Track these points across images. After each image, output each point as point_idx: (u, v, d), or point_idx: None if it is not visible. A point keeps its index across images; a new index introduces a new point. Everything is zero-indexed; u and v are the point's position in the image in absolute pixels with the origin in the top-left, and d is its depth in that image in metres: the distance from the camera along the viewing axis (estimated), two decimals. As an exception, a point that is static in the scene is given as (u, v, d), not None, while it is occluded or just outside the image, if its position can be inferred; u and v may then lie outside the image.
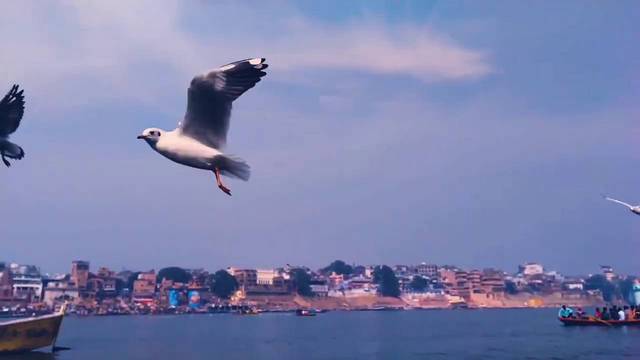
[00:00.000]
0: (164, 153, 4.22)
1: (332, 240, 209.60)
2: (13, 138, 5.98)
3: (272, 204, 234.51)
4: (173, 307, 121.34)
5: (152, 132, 4.22)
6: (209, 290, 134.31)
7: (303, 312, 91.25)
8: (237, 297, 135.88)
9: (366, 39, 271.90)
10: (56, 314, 20.60)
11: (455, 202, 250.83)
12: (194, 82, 4.06)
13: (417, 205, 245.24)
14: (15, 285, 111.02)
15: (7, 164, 5.98)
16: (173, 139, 4.23)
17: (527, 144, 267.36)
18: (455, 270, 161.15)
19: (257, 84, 4.10)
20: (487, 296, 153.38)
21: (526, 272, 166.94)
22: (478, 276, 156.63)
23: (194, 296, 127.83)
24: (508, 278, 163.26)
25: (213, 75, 4.05)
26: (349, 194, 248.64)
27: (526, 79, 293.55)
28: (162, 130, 4.26)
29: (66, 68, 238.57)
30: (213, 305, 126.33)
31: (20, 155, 6.15)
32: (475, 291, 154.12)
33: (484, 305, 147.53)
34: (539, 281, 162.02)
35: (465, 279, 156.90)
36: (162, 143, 4.18)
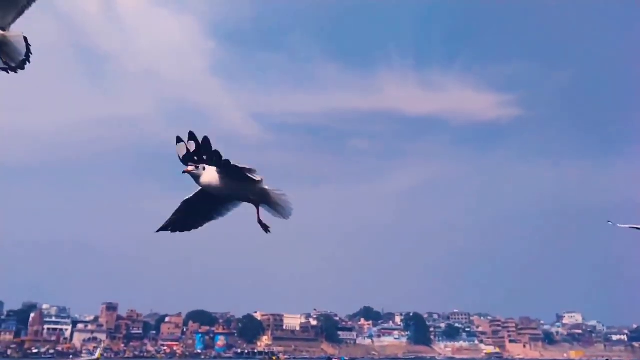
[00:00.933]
0: (208, 186, 4.23)
1: (360, 285, 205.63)
2: None
3: (300, 247, 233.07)
4: (199, 351, 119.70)
5: (197, 167, 4.26)
6: (235, 334, 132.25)
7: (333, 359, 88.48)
8: (264, 342, 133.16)
9: (395, 83, 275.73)
10: (93, 357, 20.29)
11: (488, 246, 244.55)
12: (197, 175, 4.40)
13: (448, 249, 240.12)
14: (45, 326, 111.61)
15: (7, 70, 4.83)
16: (217, 176, 4.25)
17: (564, 188, 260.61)
18: (490, 318, 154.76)
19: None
20: (524, 346, 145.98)
21: (565, 321, 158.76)
22: (514, 325, 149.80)
23: (220, 341, 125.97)
24: (546, 327, 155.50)
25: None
26: (378, 238, 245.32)
27: (557, 121, 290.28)
28: (206, 165, 4.25)
29: (105, 113, 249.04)
30: (239, 351, 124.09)
31: (21, 64, 4.68)
32: (511, 341, 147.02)
33: (521, 356, 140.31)
34: (579, 331, 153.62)
35: (500, 328, 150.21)
36: (206, 177, 4.22)
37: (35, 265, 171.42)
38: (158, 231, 4.83)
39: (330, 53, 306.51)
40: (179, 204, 4.82)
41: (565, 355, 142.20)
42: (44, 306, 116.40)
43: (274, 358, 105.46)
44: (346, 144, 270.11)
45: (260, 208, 4.59)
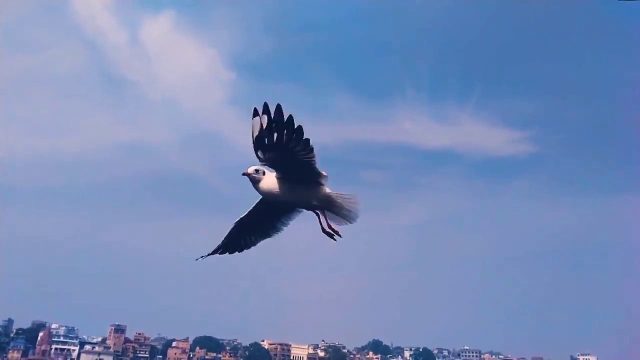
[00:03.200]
0: (268, 193, 4.08)
1: (370, 318, 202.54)
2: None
3: (310, 276, 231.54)
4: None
5: (257, 170, 4.10)
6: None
7: None
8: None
9: (409, 116, 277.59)
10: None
11: (501, 283, 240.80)
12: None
13: (460, 285, 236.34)
14: (53, 346, 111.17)
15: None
16: (277, 182, 4.09)
17: (578, 226, 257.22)
18: (501, 357, 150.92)
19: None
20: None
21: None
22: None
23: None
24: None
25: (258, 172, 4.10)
26: (388, 271, 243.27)
27: (571, 160, 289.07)
28: (267, 170, 4.14)
29: (126, 138, 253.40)
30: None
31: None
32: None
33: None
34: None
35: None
36: (266, 184, 4.07)
37: (45, 285, 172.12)
38: (208, 255, 4.59)
39: (345, 85, 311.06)
40: (231, 227, 4.54)
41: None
42: (53, 325, 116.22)
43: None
44: (359, 175, 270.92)
45: (327, 215, 4.31)
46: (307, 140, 3.88)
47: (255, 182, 4.07)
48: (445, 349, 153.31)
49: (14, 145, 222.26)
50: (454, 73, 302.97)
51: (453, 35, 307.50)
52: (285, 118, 3.87)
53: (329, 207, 4.11)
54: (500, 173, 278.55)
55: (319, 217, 4.15)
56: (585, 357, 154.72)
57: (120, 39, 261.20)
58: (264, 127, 3.80)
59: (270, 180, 4.05)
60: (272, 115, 3.82)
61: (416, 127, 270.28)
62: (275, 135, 3.81)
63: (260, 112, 3.84)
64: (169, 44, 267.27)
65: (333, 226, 4.14)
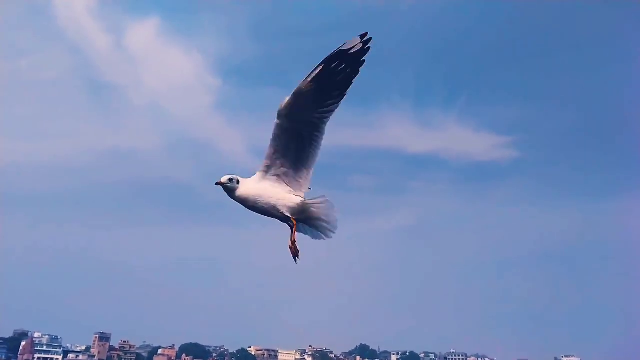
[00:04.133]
0: (244, 202, 3.92)
1: (357, 323, 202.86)
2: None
3: (297, 281, 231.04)
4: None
5: (230, 180, 3.91)
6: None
7: None
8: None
9: (395, 121, 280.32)
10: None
11: (485, 287, 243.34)
12: (280, 113, 3.78)
13: (445, 289, 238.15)
14: (36, 355, 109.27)
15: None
16: (253, 185, 3.92)
17: (562, 230, 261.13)
18: (487, 359, 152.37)
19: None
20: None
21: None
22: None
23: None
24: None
25: (299, 94, 3.69)
26: (375, 275, 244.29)
27: (555, 164, 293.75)
28: (241, 178, 3.98)
29: (111, 144, 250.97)
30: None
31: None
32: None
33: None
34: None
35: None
36: (241, 191, 3.89)
37: (28, 293, 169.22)
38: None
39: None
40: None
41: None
42: (36, 334, 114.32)
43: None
44: (347, 179, 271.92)
45: (297, 230, 4.05)
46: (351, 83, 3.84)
47: (229, 191, 3.93)
48: (431, 353, 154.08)
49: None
50: (439, 79, 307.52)
51: (438, 41, 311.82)
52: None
53: (305, 217, 3.92)
54: (486, 177, 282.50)
55: (292, 229, 3.95)
56: (568, 358, 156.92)
57: (105, 45, 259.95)
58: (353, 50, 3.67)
59: (245, 188, 3.92)
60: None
61: (403, 132, 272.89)
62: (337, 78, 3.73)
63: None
64: (154, 49, 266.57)
65: (298, 246, 4.00)
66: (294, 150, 3.75)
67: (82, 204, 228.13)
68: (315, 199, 3.93)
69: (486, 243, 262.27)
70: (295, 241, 3.93)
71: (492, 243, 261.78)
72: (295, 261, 4.02)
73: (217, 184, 3.97)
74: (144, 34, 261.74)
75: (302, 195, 3.91)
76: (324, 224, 3.84)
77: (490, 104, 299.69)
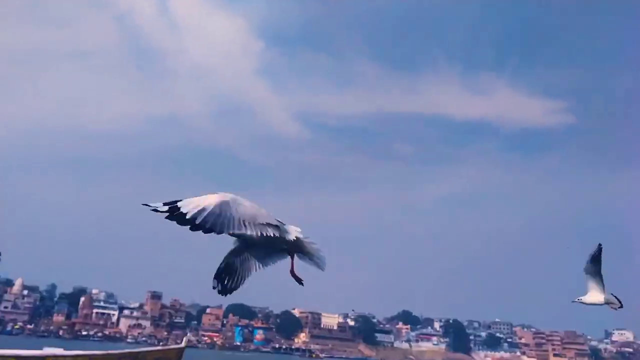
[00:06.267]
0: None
1: (400, 289, 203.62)
2: None
3: (340, 247, 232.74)
4: (238, 343, 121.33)
5: None
6: (274, 329, 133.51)
7: None
8: (301, 339, 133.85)
9: (441, 87, 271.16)
10: (181, 345, 20.45)
11: (534, 256, 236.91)
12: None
13: (492, 257, 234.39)
14: (94, 310, 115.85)
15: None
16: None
17: (616, 200, 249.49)
18: (533, 330, 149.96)
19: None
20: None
21: (614, 338, 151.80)
22: (559, 338, 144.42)
23: (259, 335, 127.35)
24: (593, 343, 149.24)
25: None
26: (419, 243, 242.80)
27: (611, 131, 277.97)
28: None
29: (155, 110, 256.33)
30: (277, 346, 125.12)
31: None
32: (555, 355, 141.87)
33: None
34: (630, 350, 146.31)
35: (544, 341, 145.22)
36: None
37: (86, 252, 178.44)
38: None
39: (376, 55, 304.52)
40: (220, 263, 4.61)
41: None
42: (94, 291, 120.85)
43: (314, 355, 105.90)
44: (390, 147, 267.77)
45: (295, 260, 4.49)
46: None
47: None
48: (475, 321, 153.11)
49: (46, 117, 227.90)
50: (489, 42, 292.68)
51: (488, 1, 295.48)
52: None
53: (300, 252, 4.31)
54: (537, 145, 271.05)
55: (292, 259, 4.37)
56: (620, 332, 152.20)
57: (150, 11, 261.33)
58: None
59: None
60: None
61: (449, 98, 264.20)
62: None
63: None
64: (197, 14, 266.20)
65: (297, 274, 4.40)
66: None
67: (129, 169, 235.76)
68: (306, 237, 4.25)
69: (536, 212, 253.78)
70: (293, 271, 4.35)
71: (542, 212, 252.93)
72: (301, 283, 4.47)
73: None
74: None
75: (298, 232, 4.22)
76: (316, 260, 4.23)
77: (545, 66, 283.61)
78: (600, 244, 7.80)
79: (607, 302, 8.62)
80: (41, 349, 17.96)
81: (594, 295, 8.12)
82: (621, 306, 8.08)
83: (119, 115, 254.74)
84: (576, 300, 8.22)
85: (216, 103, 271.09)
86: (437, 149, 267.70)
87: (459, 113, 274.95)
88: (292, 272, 4.30)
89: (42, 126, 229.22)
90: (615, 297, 8.27)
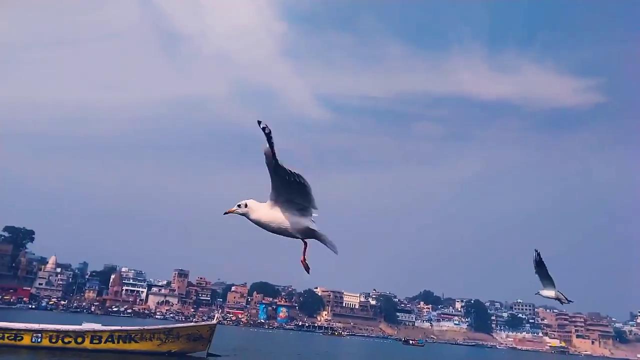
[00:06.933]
0: (258, 223, 4.28)
1: (421, 269, 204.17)
2: None
3: (361, 227, 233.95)
4: (262, 321, 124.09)
5: (239, 206, 4.30)
6: (297, 307, 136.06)
7: (411, 341, 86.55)
8: (323, 317, 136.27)
9: (466, 65, 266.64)
10: (212, 321, 21.60)
11: (558, 237, 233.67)
12: (265, 157, 3.94)
13: (514, 237, 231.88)
14: (124, 287, 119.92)
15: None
16: (266, 211, 4.27)
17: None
18: (556, 311, 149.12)
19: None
20: (593, 343, 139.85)
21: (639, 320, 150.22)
22: (582, 320, 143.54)
23: (282, 312, 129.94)
24: (617, 325, 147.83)
25: (266, 158, 3.93)
26: (441, 223, 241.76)
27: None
28: (253, 202, 4.31)
29: (179, 91, 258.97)
30: (300, 323, 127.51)
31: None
32: (578, 336, 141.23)
33: (588, 353, 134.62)
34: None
35: (567, 322, 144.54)
36: (255, 214, 4.26)
37: (116, 231, 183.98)
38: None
39: (399, 34, 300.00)
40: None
41: (638, 355, 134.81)
42: (123, 269, 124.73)
43: (336, 334, 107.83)
44: (413, 127, 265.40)
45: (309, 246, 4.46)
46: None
47: (244, 215, 4.31)
48: (497, 302, 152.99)
49: (74, 98, 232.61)
50: (515, 18, 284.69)
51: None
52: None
53: (313, 237, 4.39)
54: (564, 124, 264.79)
55: (304, 247, 4.44)
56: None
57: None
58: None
59: (258, 213, 4.30)
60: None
61: (474, 77, 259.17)
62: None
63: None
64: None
65: (307, 262, 4.46)
66: (289, 189, 4.13)
67: (153, 149, 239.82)
68: (325, 235, 4.40)
69: (560, 192, 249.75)
70: (305, 259, 4.39)
71: (566, 192, 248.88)
72: (308, 272, 4.51)
73: (225, 213, 4.36)
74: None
75: (311, 217, 4.34)
76: (329, 245, 4.31)
77: (572, 44, 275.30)
78: (536, 250, 8.81)
79: (556, 298, 9.48)
80: (80, 324, 19.43)
81: (547, 291, 9.30)
82: (568, 302, 9.22)
83: (146, 98, 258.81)
84: (537, 293, 9.51)
85: (239, 85, 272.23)
86: (462, 128, 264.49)
87: (483, 92, 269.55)
88: (302, 259, 4.39)
89: (72, 108, 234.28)
90: (562, 294, 9.31)
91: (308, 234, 4.29)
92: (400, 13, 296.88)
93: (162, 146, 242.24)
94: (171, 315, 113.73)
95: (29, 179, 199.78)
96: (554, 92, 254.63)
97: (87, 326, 18.88)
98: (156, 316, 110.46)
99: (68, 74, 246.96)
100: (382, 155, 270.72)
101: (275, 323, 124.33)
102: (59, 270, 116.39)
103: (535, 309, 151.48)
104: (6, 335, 17.35)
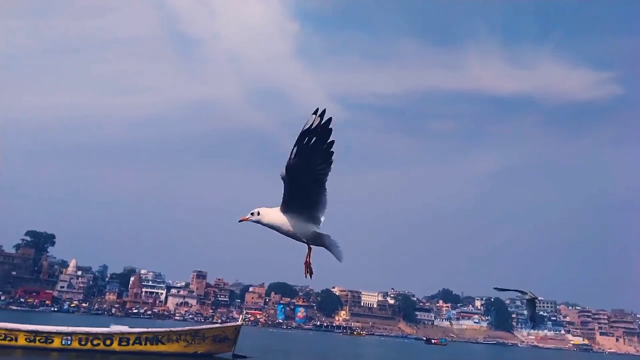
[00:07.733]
0: (270, 226, 4.42)
1: (439, 267, 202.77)
2: None
3: (379, 226, 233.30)
4: (280, 321, 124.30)
5: (252, 213, 4.48)
6: (314, 307, 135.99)
7: (433, 340, 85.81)
8: (341, 317, 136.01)
9: (481, 60, 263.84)
10: (237, 323, 21.59)
11: (578, 232, 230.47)
12: (281, 174, 4.06)
13: (533, 234, 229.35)
14: (143, 289, 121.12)
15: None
16: (277, 215, 4.41)
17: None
18: (578, 308, 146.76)
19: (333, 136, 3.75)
20: (617, 340, 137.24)
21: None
22: (605, 317, 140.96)
23: (300, 312, 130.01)
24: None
25: (290, 166, 4.01)
26: (458, 221, 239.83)
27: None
28: (264, 209, 4.44)
29: (193, 94, 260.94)
30: (318, 323, 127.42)
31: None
32: (602, 333, 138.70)
33: (613, 350, 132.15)
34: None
35: (590, 319, 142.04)
36: (266, 218, 4.41)
37: (135, 234, 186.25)
38: None
39: (413, 29, 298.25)
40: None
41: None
42: (142, 271, 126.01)
43: (355, 333, 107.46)
44: (429, 124, 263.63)
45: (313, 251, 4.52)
46: (331, 153, 4.00)
47: (257, 222, 4.44)
48: (517, 299, 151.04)
49: (90, 102, 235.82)
50: (531, 12, 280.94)
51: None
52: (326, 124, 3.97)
53: (319, 244, 4.46)
54: (582, 118, 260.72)
55: (308, 251, 4.55)
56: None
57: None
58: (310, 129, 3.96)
59: (268, 217, 4.42)
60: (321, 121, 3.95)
61: (489, 72, 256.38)
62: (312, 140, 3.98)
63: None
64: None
65: (311, 266, 4.57)
66: (302, 197, 4.26)
67: (171, 152, 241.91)
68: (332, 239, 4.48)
69: (579, 188, 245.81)
70: (310, 263, 4.50)
71: (585, 188, 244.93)
72: (309, 276, 4.59)
73: (240, 221, 4.51)
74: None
75: (318, 225, 4.46)
76: (335, 251, 4.37)
77: (589, 36, 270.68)
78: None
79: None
80: (108, 326, 19.55)
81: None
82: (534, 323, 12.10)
83: (160, 100, 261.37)
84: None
85: (252, 87, 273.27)
86: (478, 124, 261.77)
87: (498, 87, 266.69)
88: (306, 262, 4.50)
89: (89, 112, 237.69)
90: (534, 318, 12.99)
91: (315, 240, 4.41)
92: (414, 10, 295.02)
93: (180, 148, 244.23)
94: (190, 316, 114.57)
95: (49, 184, 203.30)
96: (571, 85, 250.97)
97: (115, 328, 19.02)
98: (175, 317, 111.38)
99: (84, 79, 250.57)
100: (397, 154, 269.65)
101: (294, 323, 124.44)
102: (79, 273, 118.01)
103: (557, 306, 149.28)
104: (37, 338, 17.57)
